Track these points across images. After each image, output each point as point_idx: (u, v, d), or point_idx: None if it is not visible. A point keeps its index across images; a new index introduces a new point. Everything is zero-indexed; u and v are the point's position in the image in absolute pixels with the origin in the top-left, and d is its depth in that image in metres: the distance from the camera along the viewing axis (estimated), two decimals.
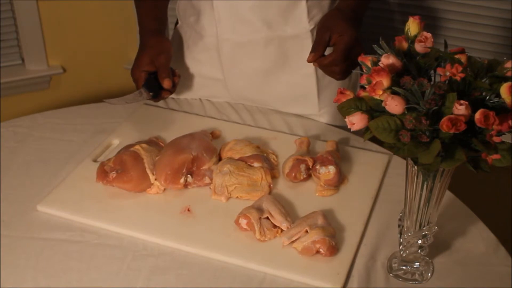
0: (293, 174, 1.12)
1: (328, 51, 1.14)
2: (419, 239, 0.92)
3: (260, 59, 1.34)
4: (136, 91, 1.25)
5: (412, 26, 0.84)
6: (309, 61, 1.13)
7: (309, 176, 1.14)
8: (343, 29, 1.13)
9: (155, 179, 1.10)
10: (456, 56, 0.78)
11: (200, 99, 1.45)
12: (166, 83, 1.26)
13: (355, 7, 1.21)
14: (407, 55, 0.83)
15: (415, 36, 0.83)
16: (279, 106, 1.40)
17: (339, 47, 1.11)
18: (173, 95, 1.47)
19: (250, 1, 1.27)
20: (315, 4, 1.29)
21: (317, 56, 1.13)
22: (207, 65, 1.40)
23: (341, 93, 0.83)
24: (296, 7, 1.28)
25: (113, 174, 1.09)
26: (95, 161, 1.19)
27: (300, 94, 1.36)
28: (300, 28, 1.30)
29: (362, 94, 0.81)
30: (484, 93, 0.76)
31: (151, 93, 1.25)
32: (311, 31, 1.29)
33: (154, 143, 1.19)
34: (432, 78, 0.82)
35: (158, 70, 1.27)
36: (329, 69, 1.13)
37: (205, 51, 1.38)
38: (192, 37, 1.40)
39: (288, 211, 1.04)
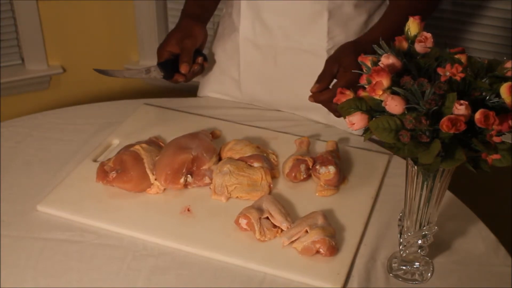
0: (293, 174, 1.12)
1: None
2: (419, 239, 0.92)
3: (274, 65, 1.32)
4: (143, 68, 1.26)
5: (412, 26, 0.84)
6: (311, 92, 1.09)
7: (309, 176, 1.14)
8: (349, 65, 1.06)
9: (155, 179, 1.10)
10: (456, 56, 0.78)
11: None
12: (184, 68, 1.27)
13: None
14: (407, 55, 0.83)
15: (415, 36, 0.83)
16: (288, 111, 1.38)
17: (339, 84, 1.07)
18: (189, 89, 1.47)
19: (271, 1, 1.25)
20: (338, 24, 1.25)
21: (321, 88, 1.09)
22: (228, 61, 1.40)
23: (341, 93, 0.83)
24: (316, 23, 1.25)
25: (113, 174, 1.09)
26: (95, 161, 1.19)
27: (311, 107, 1.34)
28: (317, 45, 1.26)
29: (362, 94, 0.81)
30: (484, 93, 0.76)
31: (162, 73, 1.26)
32: (328, 50, 1.25)
33: (154, 143, 1.19)
34: (432, 78, 0.82)
35: (181, 53, 1.28)
36: (326, 105, 1.10)
37: (230, 46, 1.38)
38: (225, 29, 1.40)
39: (288, 211, 1.04)
